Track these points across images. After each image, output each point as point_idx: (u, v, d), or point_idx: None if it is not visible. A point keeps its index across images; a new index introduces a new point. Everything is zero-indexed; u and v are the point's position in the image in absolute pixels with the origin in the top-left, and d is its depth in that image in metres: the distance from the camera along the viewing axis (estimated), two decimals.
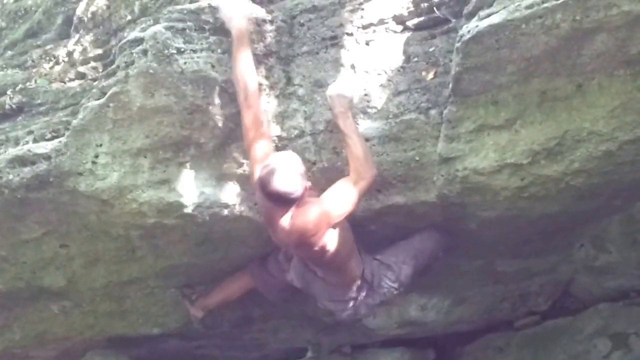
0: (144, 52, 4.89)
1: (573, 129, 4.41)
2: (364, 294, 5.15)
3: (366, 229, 5.08)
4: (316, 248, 4.70)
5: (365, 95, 4.85)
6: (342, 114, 4.69)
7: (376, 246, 5.15)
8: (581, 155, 4.46)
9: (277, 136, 4.90)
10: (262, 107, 4.79)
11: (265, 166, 4.51)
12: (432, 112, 4.74)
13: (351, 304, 5.17)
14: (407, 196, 4.88)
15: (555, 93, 4.39)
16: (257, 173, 4.57)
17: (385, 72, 4.87)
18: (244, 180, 4.96)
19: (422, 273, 5.29)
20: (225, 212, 4.98)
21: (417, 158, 4.77)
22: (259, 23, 4.91)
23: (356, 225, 4.98)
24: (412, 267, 5.15)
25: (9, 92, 5.51)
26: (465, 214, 4.94)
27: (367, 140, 4.78)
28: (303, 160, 4.72)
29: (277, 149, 4.80)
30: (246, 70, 4.69)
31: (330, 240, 4.71)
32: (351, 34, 4.93)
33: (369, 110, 4.84)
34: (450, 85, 4.60)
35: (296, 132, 4.89)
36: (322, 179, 4.87)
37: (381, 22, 4.93)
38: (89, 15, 5.53)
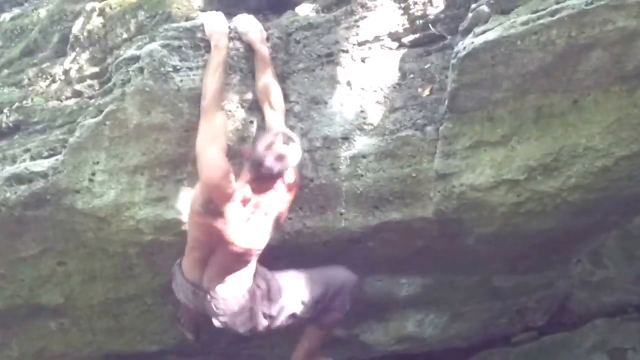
0: (140, 70, 4.91)
1: (569, 144, 4.42)
2: (259, 302, 4.99)
3: (363, 246, 5.09)
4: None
5: (362, 112, 4.86)
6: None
7: (373, 265, 5.15)
8: (577, 171, 4.47)
9: None
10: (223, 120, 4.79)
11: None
12: (428, 128, 4.75)
13: (246, 315, 5.00)
14: (404, 212, 4.89)
15: (551, 109, 4.41)
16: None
17: (381, 89, 4.88)
18: None
19: (327, 307, 5.18)
20: None
21: (413, 174, 4.78)
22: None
23: (353, 242, 4.99)
24: (320, 292, 5.09)
25: (5, 111, 5.52)
26: (462, 230, 4.95)
27: (363, 156, 4.82)
28: (300, 177, 4.74)
29: None
30: (214, 81, 4.73)
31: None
32: (347, 51, 4.94)
33: (365, 127, 4.85)
34: (446, 102, 4.61)
35: None
36: (319, 195, 4.90)
37: (377, 39, 4.95)
38: (85, 34, 5.54)
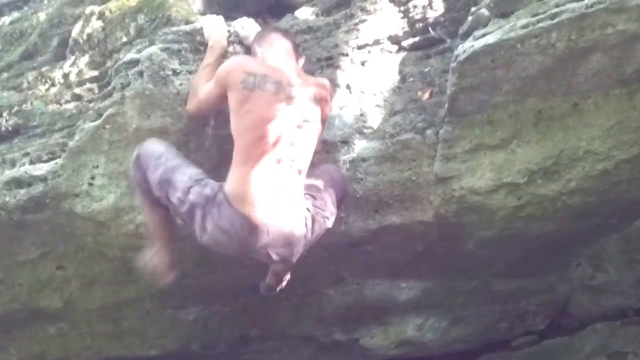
0: (140, 74, 4.90)
1: (569, 148, 4.42)
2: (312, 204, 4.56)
3: (363, 249, 5.08)
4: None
5: (361, 115, 4.85)
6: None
7: (373, 269, 5.15)
8: (578, 174, 4.46)
9: None
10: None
11: None
12: (428, 131, 4.75)
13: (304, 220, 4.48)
14: (404, 216, 4.88)
15: (551, 112, 4.40)
16: None
17: (381, 92, 4.88)
18: None
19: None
20: None
21: (413, 178, 4.78)
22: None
23: (353, 246, 4.99)
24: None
25: (4, 114, 5.50)
26: (462, 234, 4.94)
27: (363, 160, 4.82)
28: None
29: None
30: (204, 77, 4.66)
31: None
32: (347, 55, 4.93)
33: (365, 130, 4.84)
34: (446, 105, 4.61)
35: None
36: None
37: (376, 42, 4.94)
38: (85, 37, 5.53)
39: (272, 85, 4.41)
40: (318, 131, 4.56)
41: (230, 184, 4.37)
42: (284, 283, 5.10)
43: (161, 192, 4.48)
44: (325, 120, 4.65)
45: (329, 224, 4.61)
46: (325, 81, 4.64)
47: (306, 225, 4.46)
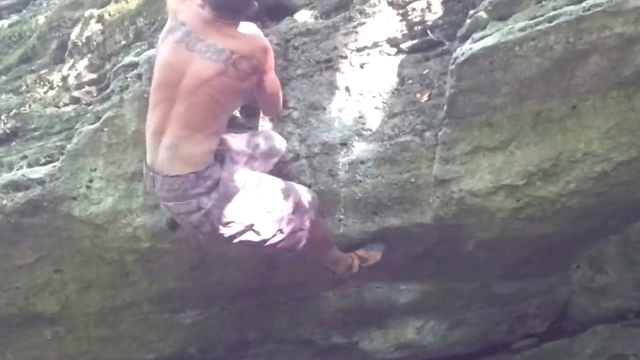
0: (139, 77, 4.92)
1: (568, 150, 4.41)
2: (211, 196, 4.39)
3: None
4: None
5: (360, 117, 4.85)
6: None
7: (372, 272, 5.13)
8: (576, 176, 4.46)
9: None
10: None
11: None
12: (427, 134, 4.74)
13: (197, 201, 4.37)
14: (403, 218, 4.87)
15: (550, 114, 4.40)
16: None
17: (380, 95, 4.87)
18: None
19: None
20: None
21: (412, 180, 4.77)
22: None
23: (352, 248, 4.98)
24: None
25: (3, 117, 5.52)
26: (461, 236, 4.94)
27: (362, 162, 4.81)
28: (298, 183, 4.73)
29: (272, 171, 4.77)
30: None
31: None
32: (345, 57, 4.93)
33: (363, 132, 4.83)
34: (445, 107, 4.60)
35: (291, 155, 4.88)
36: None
37: (375, 45, 4.93)
38: (84, 40, 5.54)
39: (180, 33, 4.39)
40: (226, 92, 4.39)
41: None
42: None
43: None
44: (260, 86, 4.52)
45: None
46: (256, 45, 4.44)
47: (193, 177, 4.34)
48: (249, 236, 4.53)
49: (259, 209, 4.50)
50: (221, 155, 4.46)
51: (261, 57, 4.43)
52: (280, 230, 4.59)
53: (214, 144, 4.41)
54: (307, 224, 4.69)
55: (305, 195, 4.71)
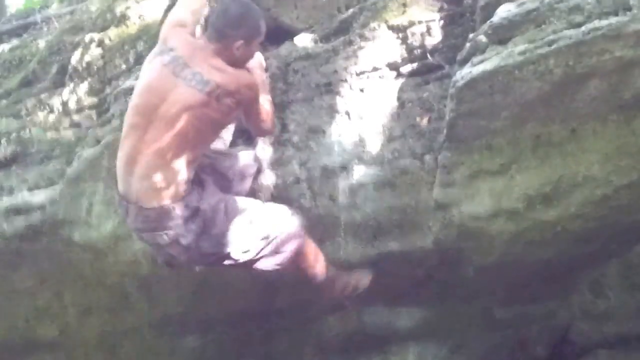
0: None
1: (568, 173, 4.40)
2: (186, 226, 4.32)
3: None
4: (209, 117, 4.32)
5: (360, 141, 4.84)
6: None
7: (372, 296, 5.12)
8: (577, 199, 4.44)
9: (272, 183, 4.89)
10: None
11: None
12: (427, 157, 4.73)
13: (174, 232, 4.30)
14: (403, 242, 4.85)
15: (550, 138, 4.39)
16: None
17: (380, 118, 4.87)
18: None
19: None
20: None
21: (412, 204, 4.76)
22: None
23: None
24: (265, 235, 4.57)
25: (3, 142, 5.53)
26: (462, 260, 4.91)
27: (362, 186, 4.80)
28: (299, 207, 4.73)
29: (272, 196, 4.77)
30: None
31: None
32: (345, 81, 4.93)
33: (364, 156, 4.83)
34: (445, 131, 4.60)
35: (291, 178, 4.88)
36: (318, 226, 4.87)
37: (375, 69, 4.94)
38: (84, 64, 5.56)
39: (168, 57, 4.37)
40: (206, 123, 4.35)
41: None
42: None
43: None
44: (248, 115, 4.55)
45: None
46: (242, 82, 4.43)
47: (170, 208, 4.26)
48: (229, 261, 4.51)
49: (240, 235, 4.46)
50: (199, 180, 4.43)
51: (245, 94, 4.42)
52: (262, 253, 4.56)
53: (190, 173, 4.34)
54: (291, 245, 4.65)
55: (287, 216, 4.67)
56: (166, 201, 4.24)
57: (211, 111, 4.31)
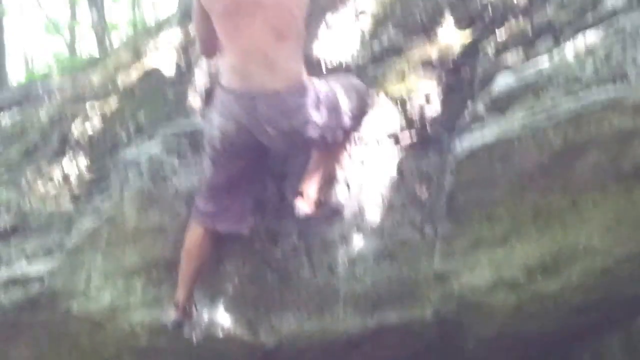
0: (139, 172, 4.92)
1: (568, 244, 4.38)
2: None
3: (360, 350, 5.00)
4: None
5: (360, 212, 4.83)
6: None
7: None
8: (578, 271, 4.41)
9: (271, 254, 4.87)
10: None
11: None
12: (427, 228, 4.72)
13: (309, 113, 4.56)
14: (403, 314, 4.80)
15: (550, 208, 4.37)
16: None
17: (380, 189, 4.86)
18: (239, 299, 4.91)
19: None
20: (220, 333, 4.91)
21: (412, 275, 4.73)
22: None
23: (350, 346, 4.91)
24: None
25: (3, 212, 5.53)
26: (461, 332, 4.87)
27: (361, 257, 4.77)
28: (298, 279, 4.70)
29: (271, 267, 4.75)
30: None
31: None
32: (345, 151, 4.94)
33: (363, 227, 4.82)
34: (444, 201, 4.59)
35: (290, 250, 4.86)
36: (317, 298, 4.83)
37: (375, 138, 4.95)
38: (85, 134, 5.59)
39: None
40: None
41: (223, 74, 4.67)
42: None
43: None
44: None
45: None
46: None
47: (302, 91, 4.55)
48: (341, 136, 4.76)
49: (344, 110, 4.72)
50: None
51: None
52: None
53: (302, 58, 4.64)
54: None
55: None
56: (296, 82, 4.55)
57: None
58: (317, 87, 4.64)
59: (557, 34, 4.47)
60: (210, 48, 4.81)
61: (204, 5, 4.58)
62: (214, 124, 4.62)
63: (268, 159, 4.88)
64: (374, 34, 5.15)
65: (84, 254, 4.97)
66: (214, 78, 4.98)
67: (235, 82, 4.56)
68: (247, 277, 4.92)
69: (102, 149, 5.52)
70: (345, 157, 4.91)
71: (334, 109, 4.66)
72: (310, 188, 4.76)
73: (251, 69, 4.52)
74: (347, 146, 4.90)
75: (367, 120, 4.93)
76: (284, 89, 4.50)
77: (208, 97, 4.99)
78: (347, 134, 4.82)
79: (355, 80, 4.95)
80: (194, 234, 4.74)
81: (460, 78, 4.91)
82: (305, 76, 4.61)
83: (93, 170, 5.50)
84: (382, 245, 4.77)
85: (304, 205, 4.72)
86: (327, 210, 4.84)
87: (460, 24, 5.04)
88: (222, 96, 4.61)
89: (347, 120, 4.73)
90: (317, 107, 4.57)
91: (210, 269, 4.88)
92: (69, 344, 5.22)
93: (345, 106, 4.72)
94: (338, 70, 5.04)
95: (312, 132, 4.58)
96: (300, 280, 4.73)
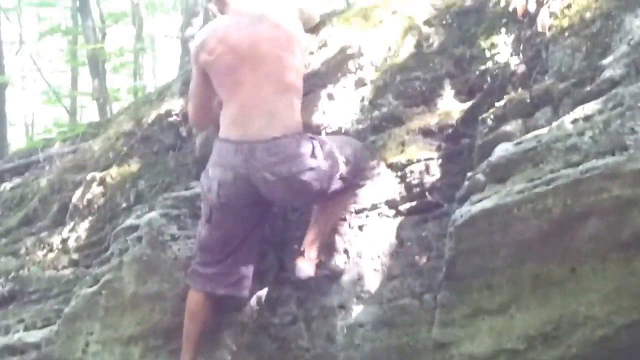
0: (139, 239, 4.94)
1: (568, 313, 4.34)
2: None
3: None
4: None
5: (359, 280, 4.82)
6: None
7: None
8: (578, 340, 4.37)
9: (269, 322, 4.84)
10: None
11: None
12: (426, 296, 4.70)
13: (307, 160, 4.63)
14: None
15: (549, 277, 4.35)
16: None
17: (379, 257, 4.86)
18: None
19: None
20: None
21: (411, 344, 4.69)
22: None
23: None
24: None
25: (1, 280, 5.53)
26: None
27: (360, 326, 4.74)
28: (296, 347, 4.66)
29: (270, 335, 4.72)
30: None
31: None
32: (344, 219, 4.95)
33: (362, 295, 4.80)
34: (444, 270, 4.57)
35: (289, 318, 4.84)
36: None
37: (374, 207, 4.96)
38: (85, 203, 5.60)
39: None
40: (292, 45, 4.76)
41: (221, 127, 4.73)
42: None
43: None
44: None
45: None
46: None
47: (300, 139, 4.65)
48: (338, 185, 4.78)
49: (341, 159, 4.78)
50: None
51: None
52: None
53: (299, 110, 4.78)
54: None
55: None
56: (293, 130, 4.68)
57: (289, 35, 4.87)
58: (314, 137, 4.75)
59: (556, 104, 4.51)
60: (202, 117, 4.89)
61: (204, 67, 4.66)
62: (211, 176, 4.69)
63: (267, 221, 4.89)
64: (374, 102, 5.18)
65: (81, 320, 4.94)
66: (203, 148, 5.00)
67: (234, 133, 4.65)
68: (246, 346, 4.89)
69: (102, 217, 5.53)
70: (344, 225, 4.91)
71: (330, 157, 4.72)
72: (311, 249, 4.77)
73: (250, 119, 4.62)
74: (347, 201, 4.92)
75: (366, 188, 4.95)
76: (282, 136, 4.60)
77: (203, 163, 4.98)
78: (346, 185, 4.83)
79: (350, 139, 5.04)
80: (195, 298, 4.73)
81: (459, 148, 4.95)
82: (301, 127, 4.74)
83: (92, 238, 5.50)
84: (381, 313, 4.75)
85: (306, 266, 4.72)
86: (327, 271, 4.83)
87: (460, 94, 5.09)
88: (220, 147, 4.69)
89: (344, 169, 4.77)
90: (315, 155, 4.64)
91: (209, 337, 4.85)
92: None
93: (342, 156, 4.78)
94: (337, 134, 5.08)
95: (311, 179, 4.63)
96: (298, 349, 4.69)
